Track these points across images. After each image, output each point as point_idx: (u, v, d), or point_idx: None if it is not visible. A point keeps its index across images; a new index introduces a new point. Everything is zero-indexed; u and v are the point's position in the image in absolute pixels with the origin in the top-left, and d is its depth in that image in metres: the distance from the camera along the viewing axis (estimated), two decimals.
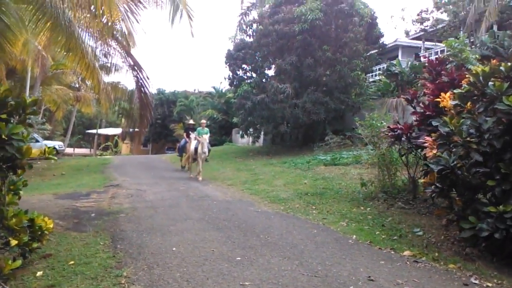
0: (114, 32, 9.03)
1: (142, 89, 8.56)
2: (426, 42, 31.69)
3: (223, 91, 36.56)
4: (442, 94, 6.51)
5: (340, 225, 7.25)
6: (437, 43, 30.79)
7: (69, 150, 33.19)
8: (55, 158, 5.23)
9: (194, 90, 49.45)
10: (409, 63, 24.36)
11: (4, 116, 4.50)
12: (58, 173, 17.35)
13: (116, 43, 9.65)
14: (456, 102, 5.92)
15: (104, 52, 10.99)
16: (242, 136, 24.78)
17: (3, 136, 4.35)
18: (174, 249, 5.77)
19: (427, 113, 7.48)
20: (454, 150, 5.57)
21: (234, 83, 23.07)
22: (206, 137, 14.29)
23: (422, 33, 28.48)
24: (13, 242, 4.64)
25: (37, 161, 16.62)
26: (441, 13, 28.40)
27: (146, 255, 5.54)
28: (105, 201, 10.02)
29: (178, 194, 10.92)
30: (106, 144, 41.79)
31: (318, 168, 14.21)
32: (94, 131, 43.64)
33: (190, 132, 16.77)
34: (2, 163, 4.62)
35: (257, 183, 12.29)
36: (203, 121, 16.64)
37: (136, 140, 40.83)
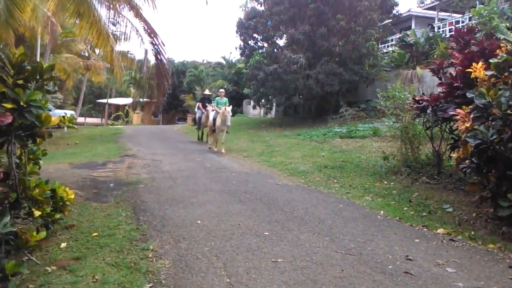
0: None
1: (158, 56, 8.25)
2: (440, 13, 30.83)
3: (233, 61, 36.03)
4: (474, 64, 6.17)
5: (365, 200, 7.06)
6: (452, 14, 29.94)
7: (80, 120, 33.09)
8: (75, 127, 5.03)
9: (203, 60, 48.84)
10: (424, 33, 23.72)
11: (21, 81, 4.29)
12: (71, 142, 17.29)
13: (129, 8, 9.25)
14: (492, 72, 5.61)
15: (112, 20, 10.65)
16: (254, 107, 24.43)
17: (22, 103, 4.14)
18: (198, 222, 5.63)
19: (455, 84, 7.16)
20: (493, 123, 5.28)
21: (246, 53, 22.59)
22: (229, 109, 13.15)
23: (437, 2, 27.58)
24: (37, 213, 4.51)
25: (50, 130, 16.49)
26: None
27: (171, 227, 5.41)
28: (122, 171, 9.92)
29: (194, 165, 10.77)
30: (117, 113, 41.67)
31: (334, 140, 13.97)
32: (104, 100, 43.45)
33: (206, 102, 16.16)
34: (22, 131, 4.43)
35: (273, 155, 12.10)
36: (222, 90, 15.81)
37: (152, 109, 40.79)
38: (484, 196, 5.66)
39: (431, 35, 22.55)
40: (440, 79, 7.83)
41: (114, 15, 10.51)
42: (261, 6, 21.92)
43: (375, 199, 7.12)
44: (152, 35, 8.18)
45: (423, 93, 8.09)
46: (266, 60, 20.30)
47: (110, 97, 45.40)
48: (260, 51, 21.70)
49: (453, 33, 8.73)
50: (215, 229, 5.32)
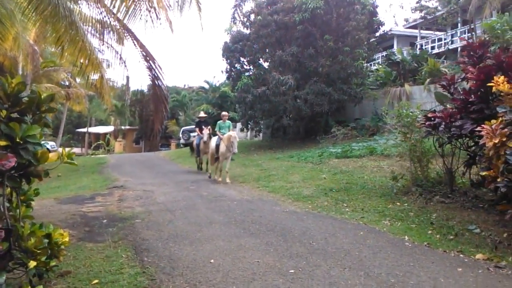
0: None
1: (156, 81, 7.71)
2: (422, 31, 31.33)
3: (217, 85, 35.64)
4: (495, 78, 5.85)
5: (384, 225, 6.59)
6: (435, 32, 30.35)
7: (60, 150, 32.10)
8: (75, 163, 4.40)
9: (184, 85, 48.43)
10: (410, 51, 23.84)
11: (14, 114, 3.73)
12: (53, 174, 16.36)
13: (123, 34, 8.70)
14: None
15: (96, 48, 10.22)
16: (241, 130, 23.98)
17: (17, 139, 3.57)
18: (212, 261, 5.04)
19: (470, 99, 6.83)
20: None
21: (232, 76, 22.23)
22: (235, 134, 11.98)
23: (421, 20, 27.94)
24: (32, 264, 3.88)
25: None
26: (426, 2, 27.80)
27: (182, 269, 4.81)
28: (113, 205, 9.27)
29: (190, 194, 10.18)
30: (98, 143, 40.62)
31: (331, 161, 13.53)
32: (84, 129, 42.44)
33: (203, 125, 14.75)
34: (14, 171, 3.84)
35: (271, 179, 11.58)
36: (225, 113, 13.68)
37: (134, 137, 39.83)
38: None
39: (417, 53, 22.63)
40: (452, 94, 7.50)
41: (100, 43, 10.06)
42: (247, 29, 21.64)
43: (394, 223, 6.65)
44: (149, 60, 7.65)
45: (434, 110, 7.74)
46: (253, 82, 19.95)
47: (90, 126, 44.40)
48: (246, 74, 21.35)
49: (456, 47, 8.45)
50: (233, 269, 4.74)
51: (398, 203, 7.85)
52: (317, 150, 16.19)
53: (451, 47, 26.35)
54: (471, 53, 7.15)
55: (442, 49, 26.87)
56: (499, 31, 13.62)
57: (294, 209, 8.00)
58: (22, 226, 3.99)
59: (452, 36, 27.27)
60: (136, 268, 4.98)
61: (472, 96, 6.90)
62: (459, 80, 7.40)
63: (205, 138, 13.96)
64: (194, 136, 16.15)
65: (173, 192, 10.55)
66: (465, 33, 26.25)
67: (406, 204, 7.74)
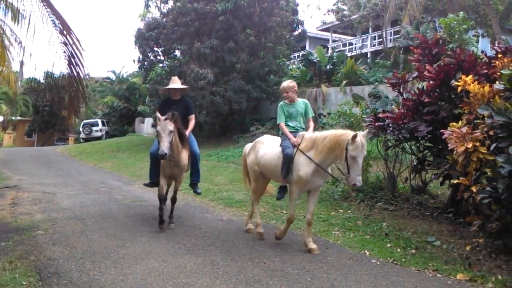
0: None
1: (72, 59, 6.29)
2: (333, 35, 32.18)
3: (125, 76, 33.28)
4: (463, 77, 5.43)
5: (336, 236, 5.90)
6: (346, 36, 31.24)
7: None
8: None
9: (86, 75, 44.88)
10: (327, 53, 24.03)
11: None
12: None
13: None
14: (504, 85, 4.83)
15: None
16: (153, 126, 22.38)
17: None
18: None
19: (426, 100, 6.41)
20: None
21: (145, 66, 20.62)
22: (364, 137, 4.91)
23: (337, 23, 28.44)
24: None
25: None
26: (343, 4, 28.36)
27: None
28: (6, 210, 7.62)
29: (102, 197, 8.77)
30: None
31: None
32: None
33: (173, 111, 6.10)
34: None
35: None
36: (288, 83, 5.95)
37: (26, 129, 35.78)
38: (494, 228, 4.84)
39: (334, 55, 22.91)
40: (401, 94, 7.06)
41: None
42: (164, 17, 20.14)
43: (345, 235, 5.99)
44: (66, 32, 6.16)
45: (383, 110, 7.28)
46: (167, 74, 18.56)
47: None
48: (161, 65, 19.88)
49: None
50: None
51: (340, 210, 7.26)
52: (237, 150, 15.35)
53: (363, 51, 27.17)
54: (426, 51, 6.75)
55: (353, 53, 27.60)
56: (456, 29, 13.09)
57: (229, 217, 7.06)
58: None
59: (363, 41, 28.16)
60: None
61: (424, 96, 6.51)
62: (411, 79, 6.96)
63: (164, 148, 5.63)
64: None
65: (80, 195, 9.05)
66: (375, 39, 27.25)
67: (349, 211, 7.17)
